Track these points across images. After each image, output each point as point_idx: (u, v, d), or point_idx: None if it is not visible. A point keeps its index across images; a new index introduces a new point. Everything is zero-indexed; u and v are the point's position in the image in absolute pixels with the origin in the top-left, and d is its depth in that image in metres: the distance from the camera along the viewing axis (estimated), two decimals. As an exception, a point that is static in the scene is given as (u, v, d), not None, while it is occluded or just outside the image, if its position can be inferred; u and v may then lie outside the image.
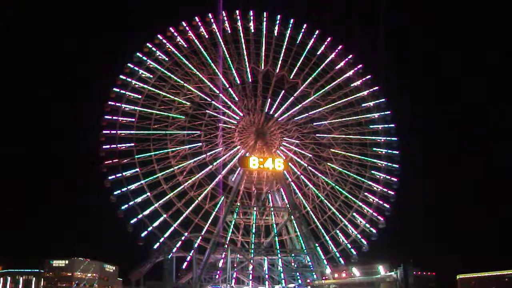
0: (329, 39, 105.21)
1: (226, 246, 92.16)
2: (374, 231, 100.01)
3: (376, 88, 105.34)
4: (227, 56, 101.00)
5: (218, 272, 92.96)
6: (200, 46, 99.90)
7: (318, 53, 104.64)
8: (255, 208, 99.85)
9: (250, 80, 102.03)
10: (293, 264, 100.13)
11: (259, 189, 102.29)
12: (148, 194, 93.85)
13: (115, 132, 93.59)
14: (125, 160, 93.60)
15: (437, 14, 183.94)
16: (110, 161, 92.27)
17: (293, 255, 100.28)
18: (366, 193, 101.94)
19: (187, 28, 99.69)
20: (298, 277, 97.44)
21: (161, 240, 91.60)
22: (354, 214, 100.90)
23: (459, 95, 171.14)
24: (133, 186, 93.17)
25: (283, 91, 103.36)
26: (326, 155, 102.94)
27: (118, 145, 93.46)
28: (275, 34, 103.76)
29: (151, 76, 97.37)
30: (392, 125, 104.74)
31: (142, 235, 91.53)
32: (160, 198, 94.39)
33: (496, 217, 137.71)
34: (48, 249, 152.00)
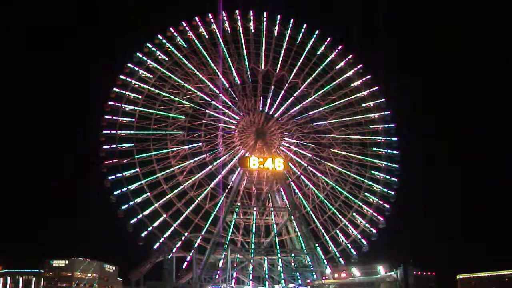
0: (329, 39, 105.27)
1: (226, 246, 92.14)
2: (374, 231, 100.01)
3: (376, 88, 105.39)
4: (227, 56, 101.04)
5: (218, 272, 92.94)
6: (200, 46, 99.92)
7: (318, 53, 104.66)
8: (255, 208, 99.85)
9: (250, 80, 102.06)
10: (293, 264, 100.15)
11: (259, 189, 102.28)
12: (148, 194, 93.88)
13: (115, 132, 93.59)
14: (125, 160, 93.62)
15: (437, 14, 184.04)
16: (110, 161, 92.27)
17: (293, 255, 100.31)
18: (366, 193, 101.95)
19: (187, 28, 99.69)
20: (298, 277, 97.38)
21: (161, 240, 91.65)
22: (354, 214, 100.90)
23: (459, 95, 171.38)
24: (133, 186, 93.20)
25: (283, 91, 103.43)
26: (326, 155, 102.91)
27: (118, 145, 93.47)
28: (275, 34, 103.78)
29: (151, 76, 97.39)
30: (392, 125, 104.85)
31: (142, 235, 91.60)
32: (160, 198, 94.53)
33: (496, 217, 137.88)
34: (48, 249, 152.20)
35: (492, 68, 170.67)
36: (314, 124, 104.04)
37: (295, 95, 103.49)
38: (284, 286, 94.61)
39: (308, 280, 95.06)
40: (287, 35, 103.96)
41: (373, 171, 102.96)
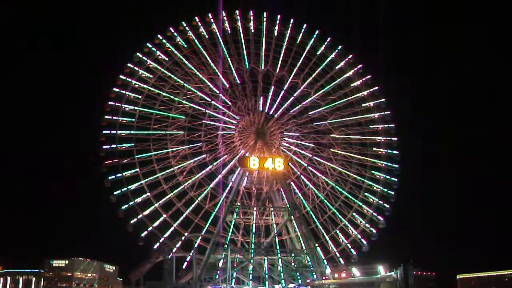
0: (329, 39, 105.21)
1: (226, 246, 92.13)
2: (374, 231, 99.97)
3: (376, 88, 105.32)
4: (227, 56, 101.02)
5: (218, 272, 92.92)
6: (200, 46, 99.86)
7: (318, 53, 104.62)
8: (255, 208, 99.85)
9: (250, 80, 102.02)
10: (293, 264, 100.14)
11: (259, 189, 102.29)
12: (148, 194, 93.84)
13: (115, 132, 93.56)
14: (125, 160, 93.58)
15: (437, 14, 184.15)
16: (110, 161, 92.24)
17: (293, 255, 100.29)
18: (366, 193, 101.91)
19: (187, 28, 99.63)
20: (298, 277, 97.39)
21: (161, 240, 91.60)
22: (354, 214, 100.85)
23: (459, 95, 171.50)
24: (133, 186, 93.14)
25: (283, 91, 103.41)
26: (326, 155, 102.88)
27: (118, 145, 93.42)
28: (275, 34, 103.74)
29: (151, 76, 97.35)
30: (392, 125, 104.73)
31: (142, 235, 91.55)
32: (160, 198, 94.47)
33: (496, 217, 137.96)
34: (48, 249, 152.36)
35: (492, 68, 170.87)
36: (314, 124, 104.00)
37: (295, 95, 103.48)
38: (284, 286, 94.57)
39: (308, 280, 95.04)
40: (287, 35, 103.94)
41: (373, 171, 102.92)
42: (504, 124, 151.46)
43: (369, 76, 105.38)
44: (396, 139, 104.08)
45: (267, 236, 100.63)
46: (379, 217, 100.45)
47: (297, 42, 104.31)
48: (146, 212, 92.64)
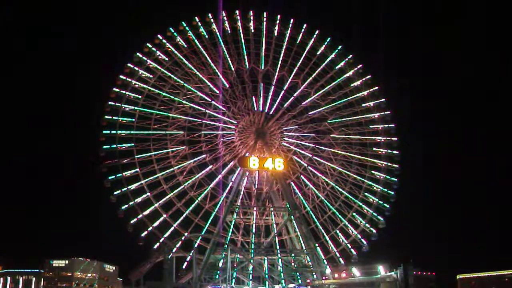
0: (329, 39, 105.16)
1: (226, 246, 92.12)
2: (374, 231, 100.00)
3: (376, 88, 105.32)
4: (227, 56, 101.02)
5: (218, 272, 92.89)
6: (200, 46, 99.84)
7: (318, 53, 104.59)
8: (255, 208, 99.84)
9: (248, 81, 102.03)
10: (293, 264, 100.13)
11: (259, 189, 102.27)
12: (148, 194, 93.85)
13: (115, 132, 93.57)
14: (125, 160, 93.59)
15: (437, 14, 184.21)
16: (110, 161, 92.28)
17: (293, 255, 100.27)
18: (366, 193, 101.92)
19: (187, 28, 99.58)
20: (298, 277, 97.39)
21: (161, 240, 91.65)
22: (354, 214, 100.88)
23: (459, 95, 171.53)
24: (133, 186, 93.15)
25: (283, 91, 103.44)
26: (326, 155, 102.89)
27: (118, 145, 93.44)
28: (275, 34, 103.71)
29: (151, 76, 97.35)
30: (392, 125, 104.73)
31: (142, 235, 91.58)
32: (160, 198, 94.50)
33: (496, 217, 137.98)
34: (48, 249, 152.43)
35: (492, 68, 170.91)
36: (314, 124, 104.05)
37: (295, 95, 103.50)
38: (284, 286, 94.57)
39: (308, 280, 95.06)
40: (287, 35, 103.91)
41: (373, 171, 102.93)
42: (504, 124, 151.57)
43: (369, 76, 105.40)
44: (396, 139, 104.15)
45: (267, 236, 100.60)
46: (379, 217, 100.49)
47: (297, 42, 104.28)
48: (146, 212, 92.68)
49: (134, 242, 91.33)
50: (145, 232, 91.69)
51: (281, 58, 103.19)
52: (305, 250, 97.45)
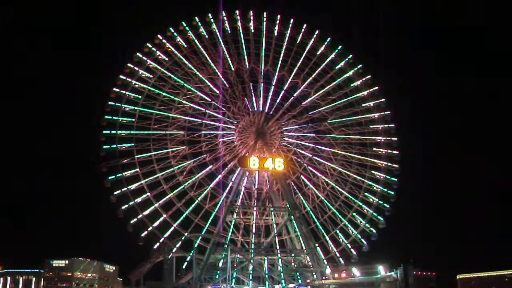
0: (329, 39, 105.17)
1: (226, 246, 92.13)
2: (374, 231, 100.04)
3: (376, 88, 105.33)
4: (227, 56, 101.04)
5: (218, 272, 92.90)
6: (200, 46, 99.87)
7: (318, 53, 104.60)
8: (255, 208, 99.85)
9: (248, 81, 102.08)
10: (293, 264, 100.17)
11: (259, 189, 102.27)
12: (148, 194, 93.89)
13: (115, 132, 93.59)
14: (125, 160, 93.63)
15: (437, 14, 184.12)
16: (110, 161, 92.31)
17: (293, 255, 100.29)
18: (366, 193, 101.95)
19: (187, 28, 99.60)
20: (298, 277, 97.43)
21: (161, 240, 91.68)
22: (354, 214, 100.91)
23: (459, 95, 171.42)
24: (133, 186, 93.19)
25: (283, 91, 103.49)
26: (326, 155, 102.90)
27: (118, 145, 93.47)
28: (275, 34, 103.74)
29: (151, 76, 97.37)
30: (392, 125, 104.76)
31: (142, 235, 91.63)
32: (160, 198, 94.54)
33: (496, 217, 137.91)
34: (48, 249, 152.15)
35: (492, 68, 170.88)
36: (314, 124, 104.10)
37: (295, 95, 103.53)
38: (284, 286, 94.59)
39: (308, 280, 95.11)
40: (287, 35, 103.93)
41: (373, 171, 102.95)
42: (504, 124, 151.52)
43: (369, 76, 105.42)
44: (396, 139, 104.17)
45: (267, 236, 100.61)
46: (379, 217, 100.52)
47: (297, 42, 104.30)
48: (146, 212, 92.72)
49: (134, 242, 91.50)
50: (145, 232, 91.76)
51: (281, 58, 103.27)
52: (305, 250, 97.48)
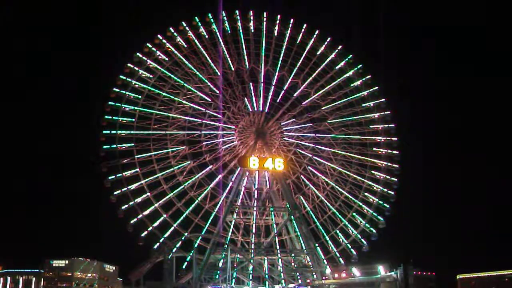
0: (329, 39, 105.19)
1: (226, 246, 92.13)
2: (374, 231, 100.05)
3: (376, 88, 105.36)
4: (227, 56, 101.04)
5: (218, 272, 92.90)
6: (200, 46, 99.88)
7: (318, 53, 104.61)
8: (255, 208, 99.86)
9: (249, 81, 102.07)
10: (293, 264, 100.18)
11: (259, 189, 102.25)
12: (148, 194, 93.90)
13: (115, 132, 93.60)
14: (125, 160, 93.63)
15: (437, 14, 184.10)
16: (110, 161, 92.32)
17: (293, 255, 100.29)
18: (366, 193, 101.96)
19: (187, 28, 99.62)
20: (298, 277, 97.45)
21: (161, 240, 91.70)
22: (354, 214, 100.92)
23: (459, 95, 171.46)
24: (133, 186, 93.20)
25: (283, 91, 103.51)
26: (326, 155, 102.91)
27: (118, 145, 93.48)
28: (275, 34, 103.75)
29: (151, 76, 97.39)
30: (392, 125, 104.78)
31: (142, 235, 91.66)
32: (160, 198, 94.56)
33: (496, 217, 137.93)
34: (48, 249, 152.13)
35: (492, 68, 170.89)
36: (314, 124, 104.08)
37: (295, 95, 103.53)
38: (284, 286, 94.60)
39: (308, 280, 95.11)
40: (287, 35, 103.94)
41: (373, 171, 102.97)
42: (504, 124, 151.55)
43: (369, 76, 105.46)
44: (396, 139, 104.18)
45: (267, 236, 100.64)
46: (379, 217, 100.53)
47: (297, 42, 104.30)
48: (146, 212, 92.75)
49: (134, 242, 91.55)
50: (145, 232, 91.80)
51: (281, 58, 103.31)
52: (305, 250, 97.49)
